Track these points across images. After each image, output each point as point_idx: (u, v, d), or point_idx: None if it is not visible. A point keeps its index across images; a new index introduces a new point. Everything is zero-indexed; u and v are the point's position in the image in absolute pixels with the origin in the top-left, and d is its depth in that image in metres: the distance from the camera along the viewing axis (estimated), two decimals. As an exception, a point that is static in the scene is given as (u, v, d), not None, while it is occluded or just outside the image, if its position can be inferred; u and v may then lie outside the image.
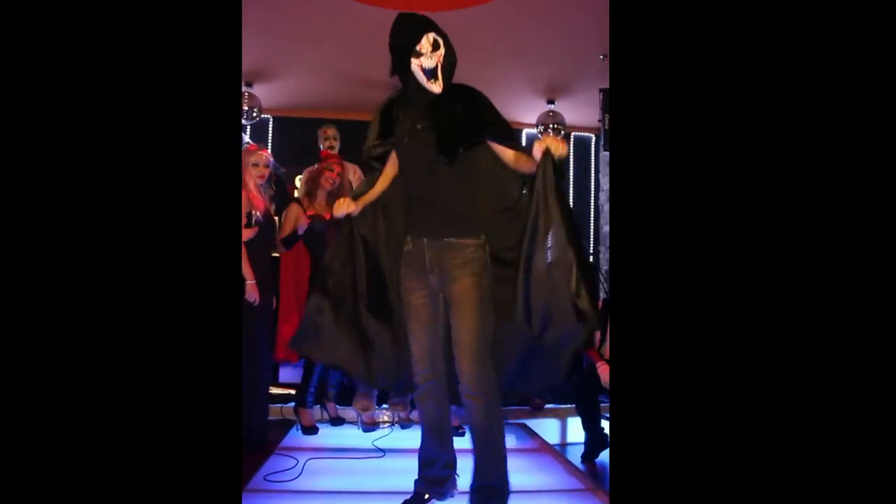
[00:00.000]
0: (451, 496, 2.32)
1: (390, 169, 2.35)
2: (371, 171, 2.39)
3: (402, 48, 2.17)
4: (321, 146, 4.28)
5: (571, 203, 6.67)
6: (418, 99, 2.21)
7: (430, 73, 2.16)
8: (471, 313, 2.12)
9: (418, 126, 2.19)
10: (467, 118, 2.16)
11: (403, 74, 2.20)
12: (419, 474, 2.35)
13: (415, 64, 2.16)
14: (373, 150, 2.32)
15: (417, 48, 2.14)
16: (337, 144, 4.19)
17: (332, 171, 3.75)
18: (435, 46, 2.15)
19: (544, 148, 2.03)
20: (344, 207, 2.27)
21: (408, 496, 2.32)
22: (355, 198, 2.33)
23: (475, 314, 2.11)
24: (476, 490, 2.20)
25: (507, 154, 2.19)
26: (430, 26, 2.17)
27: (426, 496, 2.32)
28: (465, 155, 2.16)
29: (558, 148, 2.02)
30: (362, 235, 2.35)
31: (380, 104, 2.36)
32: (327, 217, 3.66)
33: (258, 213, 3.27)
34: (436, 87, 2.17)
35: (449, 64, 2.19)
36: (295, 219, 3.66)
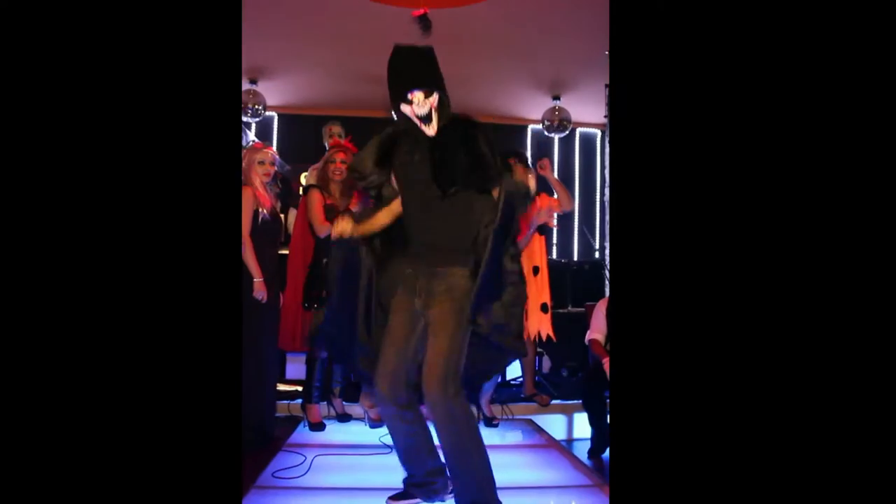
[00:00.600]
0: (442, 500, 2.31)
1: (396, 204, 2.34)
2: (376, 194, 2.39)
3: (395, 94, 2.19)
4: (326, 144, 4.27)
5: (577, 198, 6.71)
6: (416, 134, 2.23)
7: (424, 119, 2.18)
8: (443, 337, 2.10)
9: (414, 157, 2.21)
10: (463, 162, 2.16)
11: (399, 113, 2.23)
12: (404, 479, 2.36)
13: (407, 110, 2.18)
14: (369, 179, 2.33)
15: (409, 97, 2.16)
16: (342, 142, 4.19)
17: (333, 161, 3.74)
18: (428, 95, 2.16)
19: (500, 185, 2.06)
20: (342, 229, 2.27)
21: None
22: (357, 221, 2.32)
23: (447, 338, 2.09)
24: None
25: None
26: (421, 79, 2.17)
27: (414, 496, 2.34)
28: (455, 192, 2.16)
29: (523, 178, 2.02)
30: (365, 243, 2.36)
31: (380, 134, 2.35)
32: (339, 207, 3.67)
33: (265, 211, 3.28)
34: (430, 131, 2.19)
35: (444, 106, 2.20)
36: (321, 203, 3.67)
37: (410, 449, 2.29)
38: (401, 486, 2.40)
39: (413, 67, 2.19)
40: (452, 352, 2.09)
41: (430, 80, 2.18)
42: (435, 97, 2.17)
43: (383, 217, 2.35)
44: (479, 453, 2.14)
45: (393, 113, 2.23)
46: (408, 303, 2.23)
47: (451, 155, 2.16)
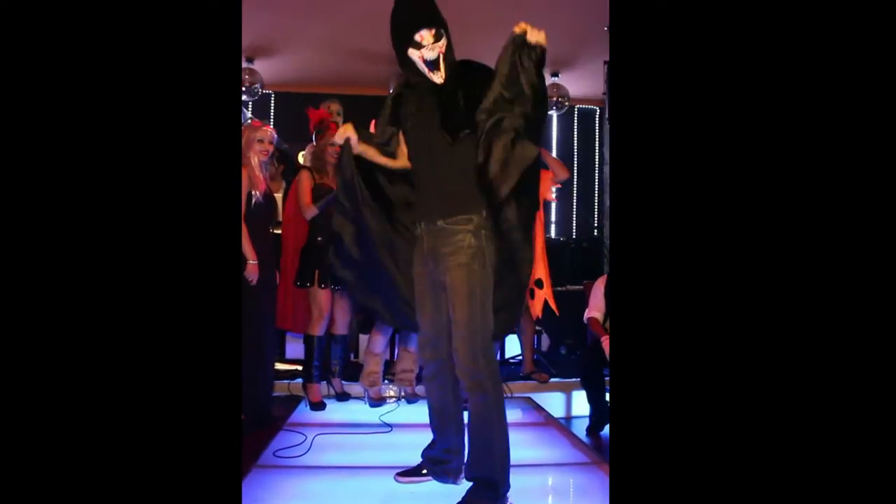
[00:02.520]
0: (454, 482, 2.30)
1: (403, 159, 2.32)
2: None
3: (402, 40, 2.15)
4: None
5: (575, 176, 6.68)
6: (422, 85, 2.20)
7: (432, 65, 2.14)
8: (462, 305, 2.09)
9: (421, 108, 2.19)
10: (470, 101, 2.13)
11: (406, 64, 2.19)
12: (423, 451, 2.40)
13: (416, 55, 2.14)
14: (381, 136, 2.32)
15: (418, 39, 2.12)
16: (340, 120, 4.17)
17: (333, 145, 3.72)
18: (437, 38, 2.13)
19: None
20: (346, 133, 2.23)
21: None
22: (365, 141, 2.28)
23: (466, 306, 2.08)
24: (470, 479, 2.19)
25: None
26: (429, 18, 2.14)
27: (423, 471, 2.37)
28: (463, 137, 2.14)
29: (535, 34, 2.02)
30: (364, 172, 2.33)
31: (390, 95, 2.36)
32: (334, 188, 3.66)
33: (258, 194, 3.24)
34: (437, 78, 2.15)
35: (450, 52, 2.17)
36: (310, 185, 3.67)
37: (444, 411, 2.31)
38: (401, 464, 2.42)
39: (419, 9, 2.15)
40: (473, 321, 2.08)
41: (439, 21, 2.15)
42: (443, 42, 2.14)
43: (387, 160, 2.32)
44: (501, 431, 2.14)
45: (399, 64, 2.20)
46: (423, 266, 2.23)
47: (457, 99, 2.14)
